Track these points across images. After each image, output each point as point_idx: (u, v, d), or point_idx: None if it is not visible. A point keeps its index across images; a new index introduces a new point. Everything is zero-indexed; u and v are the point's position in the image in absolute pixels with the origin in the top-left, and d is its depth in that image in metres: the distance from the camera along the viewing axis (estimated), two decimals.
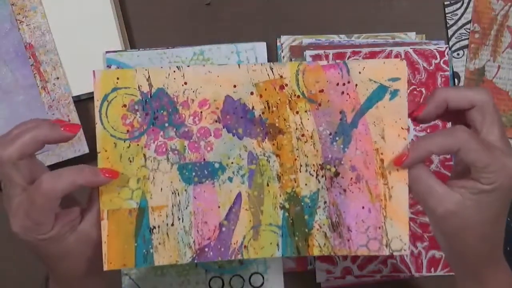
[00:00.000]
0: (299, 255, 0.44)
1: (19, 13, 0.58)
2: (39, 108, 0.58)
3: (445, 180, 0.42)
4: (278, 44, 0.61)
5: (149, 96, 0.43)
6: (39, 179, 0.39)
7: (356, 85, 0.43)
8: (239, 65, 0.44)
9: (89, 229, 0.43)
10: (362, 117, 0.43)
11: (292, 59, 0.61)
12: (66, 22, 0.59)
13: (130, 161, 0.43)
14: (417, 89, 0.60)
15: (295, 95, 0.43)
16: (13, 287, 0.61)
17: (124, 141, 0.43)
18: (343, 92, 0.43)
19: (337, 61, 0.44)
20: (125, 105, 0.43)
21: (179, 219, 0.43)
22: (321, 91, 0.43)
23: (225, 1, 0.62)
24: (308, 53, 0.60)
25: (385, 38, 0.62)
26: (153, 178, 0.43)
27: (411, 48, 0.60)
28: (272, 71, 0.43)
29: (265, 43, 0.60)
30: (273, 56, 0.61)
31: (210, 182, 0.43)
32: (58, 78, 0.58)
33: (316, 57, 0.60)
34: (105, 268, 0.42)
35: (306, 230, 0.43)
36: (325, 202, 0.43)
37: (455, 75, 0.61)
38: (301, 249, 0.43)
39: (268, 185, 0.44)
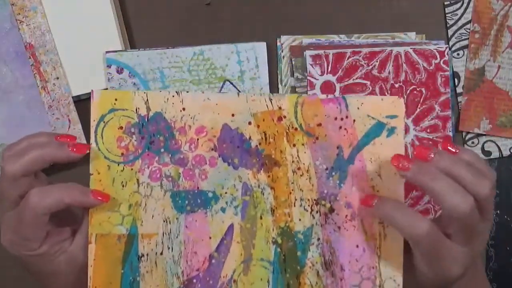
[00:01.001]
0: None
1: (19, 13, 0.58)
2: (39, 108, 0.58)
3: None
4: (278, 44, 0.61)
5: (146, 120, 0.43)
6: (28, 193, 0.39)
7: (354, 120, 0.43)
8: (238, 93, 0.43)
9: (78, 251, 0.42)
10: (359, 153, 0.43)
11: (292, 59, 0.61)
12: (66, 22, 0.59)
13: (123, 186, 0.43)
14: (417, 89, 0.60)
15: (293, 127, 0.43)
16: (13, 287, 0.61)
17: (118, 164, 0.42)
18: (340, 127, 0.43)
19: (336, 95, 0.43)
20: (121, 127, 0.43)
21: (169, 248, 0.43)
22: (319, 124, 0.43)
23: (225, 1, 0.62)
24: (308, 53, 0.60)
25: (385, 38, 0.62)
26: (145, 204, 0.43)
27: (411, 48, 0.60)
28: (271, 102, 0.43)
29: (265, 43, 0.60)
30: (273, 55, 0.61)
31: (203, 212, 0.43)
32: (58, 78, 0.58)
33: (316, 57, 0.60)
34: None
35: (298, 267, 0.43)
36: (318, 239, 0.43)
37: (455, 75, 0.61)
38: (291, 287, 0.43)
39: (261, 218, 0.43)
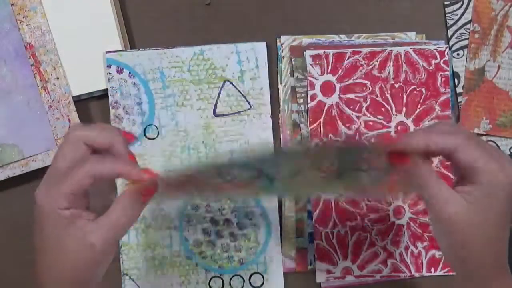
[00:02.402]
0: None
1: (19, 13, 0.58)
2: (39, 108, 0.58)
3: (445, 180, 0.41)
4: (278, 44, 0.61)
5: None
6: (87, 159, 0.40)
7: None
8: None
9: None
10: None
11: (292, 59, 0.61)
12: (66, 22, 0.59)
13: None
14: (417, 89, 0.60)
15: None
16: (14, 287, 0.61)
17: None
18: None
19: None
20: None
21: None
22: None
23: (225, 1, 0.62)
24: (308, 53, 0.60)
25: (385, 38, 0.62)
26: None
27: (411, 48, 0.60)
28: None
29: (265, 43, 0.60)
30: (273, 55, 0.61)
31: None
32: (58, 78, 0.58)
33: (316, 57, 0.60)
34: None
35: None
36: None
37: (455, 75, 0.61)
38: None
39: None
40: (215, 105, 0.60)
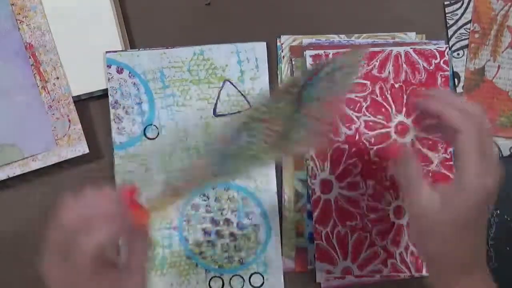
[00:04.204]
0: None
1: (19, 13, 0.58)
2: (39, 108, 0.58)
3: (445, 180, 0.42)
4: (278, 44, 0.61)
5: None
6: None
7: None
8: None
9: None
10: None
11: (292, 59, 0.61)
12: (66, 22, 0.59)
13: None
14: (417, 89, 0.60)
15: None
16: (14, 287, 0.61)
17: None
18: None
19: None
20: None
21: None
22: None
23: (225, 1, 0.62)
24: (308, 53, 0.60)
25: (385, 38, 0.62)
26: None
27: (411, 48, 0.60)
28: None
29: (265, 43, 0.60)
30: (273, 55, 0.61)
31: None
32: (58, 78, 0.58)
33: (316, 57, 0.60)
34: None
35: None
36: None
37: (455, 75, 0.61)
38: None
39: None
40: (215, 105, 0.59)
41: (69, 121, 0.58)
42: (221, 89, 0.60)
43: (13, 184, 0.60)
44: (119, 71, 0.59)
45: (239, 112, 0.59)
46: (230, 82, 0.60)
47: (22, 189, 0.60)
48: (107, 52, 0.59)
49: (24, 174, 0.58)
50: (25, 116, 0.58)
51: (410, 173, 0.43)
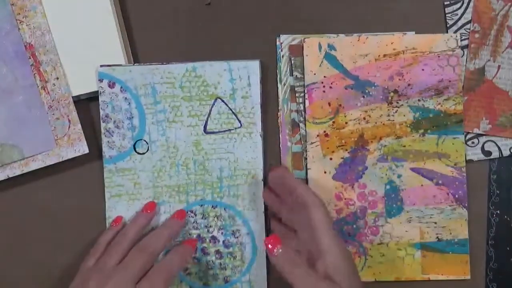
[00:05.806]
0: None
1: (19, 13, 0.58)
2: (39, 108, 0.58)
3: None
4: (278, 43, 0.61)
5: None
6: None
7: None
8: None
9: None
10: None
11: (292, 58, 0.61)
12: (66, 22, 0.59)
13: None
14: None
15: None
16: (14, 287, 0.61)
17: None
18: None
19: None
20: None
21: None
22: None
23: (225, 1, 0.62)
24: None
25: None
26: None
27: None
28: None
29: (258, 62, 0.59)
30: (273, 55, 0.61)
31: None
32: (58, 78, 0.58)
33: None
34: None
35: None
36: None
37: None
38: None
39: None
40: (206, 122, 0.59)
41: (69, 121, 0.58)
42: (212, 107, 0.59)
43: (13, 184, 0.60)
44: (111, 85, 0.59)
45: (229, 130, 0.58)
46: (222, 100, 0.59)
47: (22, 189, 0.60)
48: (101, 65, 0.59)
49: (24, 174, 0.58)
50: (25, 116, 0.58)
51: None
